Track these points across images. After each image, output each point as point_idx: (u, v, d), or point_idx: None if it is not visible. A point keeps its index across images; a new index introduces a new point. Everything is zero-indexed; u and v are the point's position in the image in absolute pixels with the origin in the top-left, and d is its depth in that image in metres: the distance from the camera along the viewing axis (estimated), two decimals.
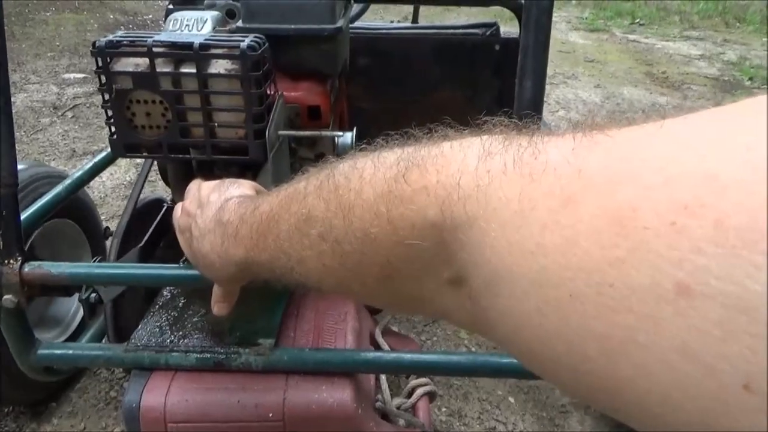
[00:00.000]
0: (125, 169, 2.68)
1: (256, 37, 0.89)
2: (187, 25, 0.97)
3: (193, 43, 0.85)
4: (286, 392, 0.99)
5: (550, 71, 4.44)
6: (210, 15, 1.00)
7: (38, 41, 4.65)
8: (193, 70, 0.86)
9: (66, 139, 3.05)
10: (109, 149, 1.46)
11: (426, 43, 1.56)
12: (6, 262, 0.91)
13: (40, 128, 3.15)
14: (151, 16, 5.76)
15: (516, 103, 0.88)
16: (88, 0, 5.87)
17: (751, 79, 4.31)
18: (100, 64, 0.86)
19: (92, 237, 1.46)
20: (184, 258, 1.25)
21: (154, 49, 0.85)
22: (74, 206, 1.35)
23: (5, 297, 0.91)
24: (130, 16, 5.71)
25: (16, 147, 0.95)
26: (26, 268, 0.92)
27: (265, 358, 1.00)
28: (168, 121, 0.88)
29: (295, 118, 1.05)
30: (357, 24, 1.73)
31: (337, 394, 0.99)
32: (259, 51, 0.87)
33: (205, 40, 0.86)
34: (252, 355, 1.00)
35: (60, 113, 3.37)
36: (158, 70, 0.85)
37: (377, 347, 1.20)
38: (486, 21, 1.55)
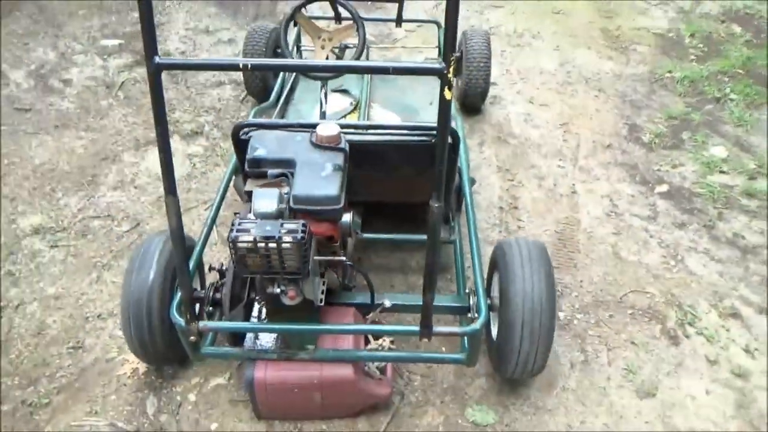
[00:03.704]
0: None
1: (303, 225, 1.86)
2: (263, 202, 1.94)
3: (274, 236, 1.83)
4: (322, 371, 2.13)
5: (520, 26, 5.05)
6: (275, 194, 1.95)
7: None
8: (274, 245, 1.85)
9: (127, 125, 3.91)
10: (210, 212, 2.45)
11: (390, 144, 2.44)
12: (191, 322, 1.97)
13: (103, 114, 4.00)
14: None
15: None
16: None
17: (692, 35, 4.96)
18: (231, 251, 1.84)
19: (199, 272, 2.47)
20: (235, 309, 2.29)
21: (258, 242, 1.84)
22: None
23: (191, 338, 1.99)
24: None
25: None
26: (200, 325, 1.99)
27: (311, 353, 2.12)
28: (262, 263, 1.90)
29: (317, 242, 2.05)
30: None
31: (345, 370, 2.14)
32: (306, 238, 1.85)
33: (279, 233, 1.84)
34: (305, 354, 2.12)
35: (113, 93, 4.18)
36: (258, 245, 1.85)
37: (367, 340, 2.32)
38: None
